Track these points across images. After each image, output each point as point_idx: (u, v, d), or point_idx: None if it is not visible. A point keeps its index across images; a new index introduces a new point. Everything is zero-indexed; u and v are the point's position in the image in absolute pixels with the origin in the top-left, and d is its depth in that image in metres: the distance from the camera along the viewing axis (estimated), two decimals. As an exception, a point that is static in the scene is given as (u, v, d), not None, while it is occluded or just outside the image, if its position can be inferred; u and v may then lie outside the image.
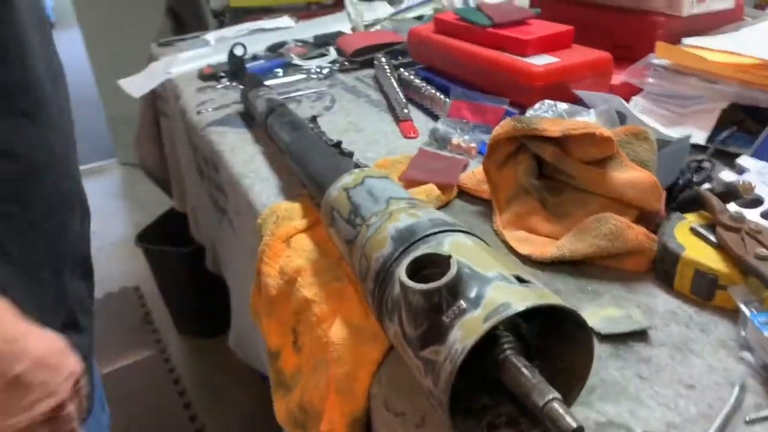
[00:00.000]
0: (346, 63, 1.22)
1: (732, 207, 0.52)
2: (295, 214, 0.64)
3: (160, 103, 1.51)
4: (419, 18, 1.48)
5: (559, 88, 0.80)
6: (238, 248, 0.93)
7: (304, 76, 1.18)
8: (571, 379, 0.38)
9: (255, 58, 1.27)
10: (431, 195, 0.64)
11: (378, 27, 1.42)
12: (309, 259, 0.58)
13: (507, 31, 0.86)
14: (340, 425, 0.45)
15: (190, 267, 1.91)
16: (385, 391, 0.44)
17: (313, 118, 0.77)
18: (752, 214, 0.53)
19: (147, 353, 1.96)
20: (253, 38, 1.41)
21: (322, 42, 1.38)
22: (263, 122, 0.86)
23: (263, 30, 1.43)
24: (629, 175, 0.55)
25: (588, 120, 0.68)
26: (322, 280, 0.55)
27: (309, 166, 0.66)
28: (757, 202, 0.55)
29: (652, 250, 0.51)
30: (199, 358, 2.00)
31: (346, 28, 1.45)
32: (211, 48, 1.39)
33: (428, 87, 0.95)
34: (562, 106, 0.75)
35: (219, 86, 1.15)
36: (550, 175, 0.61)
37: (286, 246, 0.61)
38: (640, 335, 0.45)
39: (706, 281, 0.48)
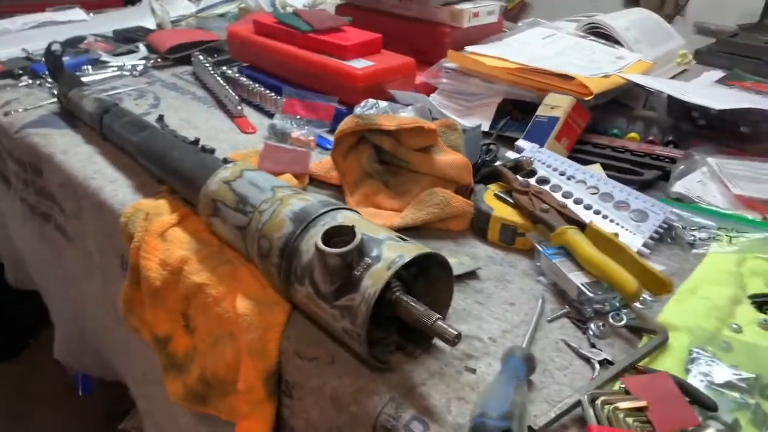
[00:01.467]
0: (160, 60, 1.22)
1: (520, 177, 0.71)
2: (163, 210, 0.68)
3: None
4: (222, 15, 1.52)
5: (376, 88, 0.94)
6: (74, 255, 0.90)
7: (116, 73, 1.16)
8: (438, 307, 0.52)
9: (52, 53, 1.20)
10: (290, 183, 0.73)
11: (183, 24, 1.43)
12: (190, 249, 0.64)
13: (327, 37, 0.98)
14: (256, 381, 0.53)
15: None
16: (294, 345, 0.53)
17: (161, 117, 0.80)
18: (533, 181, 0.73)
19: None
20: (43, 31, 1.32)
21: (123, 37, 1.35)
22: (97, 123, 0.86)
23: (54, 23, 1.34)
24: (449, 158, 0.71)
25: (408, 115, 0.83)
26: (210, 266, 0.61)
27: (171, 163, 0.70)
28: (532, 172, 0.75)
29: (470, 213, 0.68)
30: (-7, 387, 1.78)
31: (148, 23, 1.43)
32: (-8, 41, 1.26)
33: (256, 85, 1.02)
34: (383, 103, 0.89)
35: (21, 84, 1.08)
36: (387, 161, 0.75)
37: (162, 240, 0.65)
38: (472, 274, 0.62)
39: (509, 231, 0.66)
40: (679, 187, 0.78)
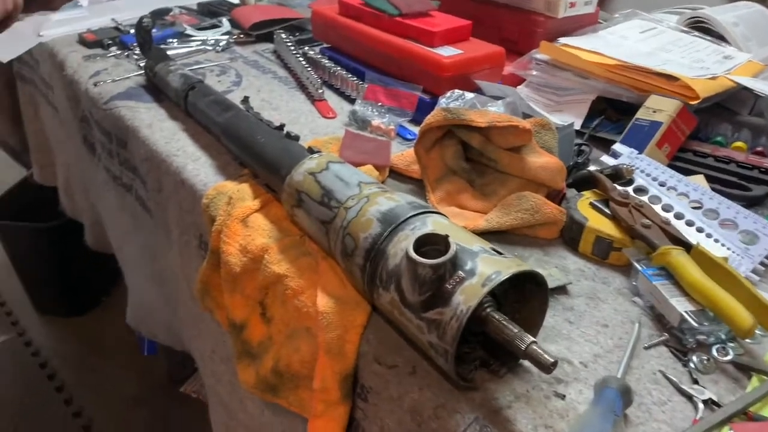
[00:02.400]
0: (242, 36, 1.22)
1: (618, 186, 0.66)
2: (246, 195, 0.67)
3: (18, 67, 1.37)
4: (305, -8, 1.51)
5: (463, 77, 0.90)
6: (152, 227, 0.92)
7: (199, 47, 1.16)
8: (529, 326, 0.49)
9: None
10: (371, 175, 0.71)
11: (265, 0, 1.42)
12: (272, 237, 0.63)
13: (414, 22, 0.95)
14: (332, 382, 0.51)
15: (50, 243, 1.79)
16: (374, 349, 0.51)
17: (246, 99, 0.80)
18: (631, 191, 0.68)
19: (2, 337, 1.80)
20: (131, 1, 1.34)
21: (207, 11, 1.36)
22: (181, 99, 0.86)
23: (142, -7, 1.36)
24: (541, 160, 0.67)
25: (497, 110, 0.79)
26: (290, 257, 0.60)
27: (256, 148, 0.69)
28: (631, 181, 0.70)
29: (562, 221, 0.64)
30: (66, 339, 1.88)
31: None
32: (85, 10, 1.29)
33: (338, 68, 1.00)
34: (469, 95, 0.85)
35: (109, 55, 1.10)
36: (474, 158, 0.71)
37: (244, 225, 0.65)
38: (562, 289, 0.58)
39: (604, 245, 0.62)
40: (793, 207, 0.71)
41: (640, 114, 0.78)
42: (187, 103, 0.85)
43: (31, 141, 1.49)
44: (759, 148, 0.85)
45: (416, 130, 0.88)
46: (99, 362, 1.73)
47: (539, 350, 0.42)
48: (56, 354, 1.77)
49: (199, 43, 1.17)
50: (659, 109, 0.77)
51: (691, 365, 0.50)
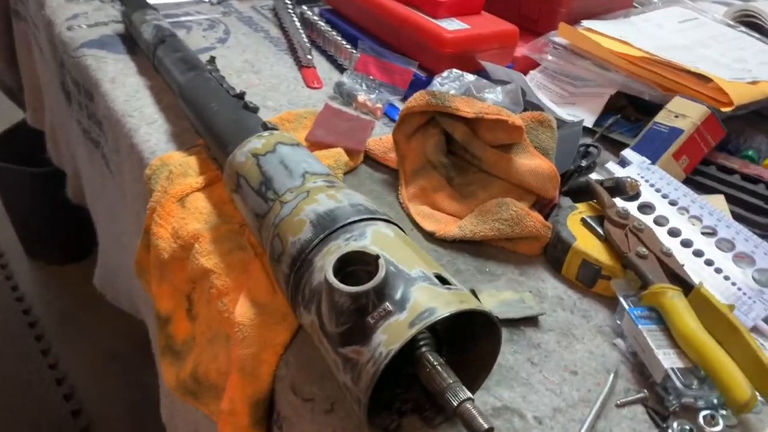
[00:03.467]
0: (241, -11, 1.12)
1: (619, 203, 0.56)
2: (190, 170, 0.59)
3: (14, 1, 1.30)
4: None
5: (466, 56, 0.80)
6: (114, 189, 0.85)
7: (192, -3, 1.07)
8: (475, 369, 0.40)
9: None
10: (340, 161, 0.62)
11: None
12: (207, 223, 0.55)
13: (421, -12, 0.84)
14: (242, 405, 0.44)
15: (44, 189, 1.74)
16: (292, 375, 0.43)
17: (212, 60, 0.71)
18: (632, 207, 0.58)
19: (-12, 278, 1.78)
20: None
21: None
22: (151, 53, 0.78)
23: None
24: (532, 163, 0.57)
25: (495, 98, 0.69)
26: (223, 249, 0.52)
27: (207, 116, 0.61)
28: (637, 195, 0.60)
29: (546, 237, 0.55)
30: (52, 287, 1.85)
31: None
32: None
33: (333, 32, 0.91)
34: (469, 77, 0.75)
35: (92, -3, 1.01)
36: (456, 152, 0.62)
37: (180, 205, 0.57)
38: (532, 320, 0.49)
39: (591, 271, 0.52)
40: (825, 245, 0.61)
41: (660, 117, 0.68)
42: (155, 57, 0.77)
43: (25, 81, 1.42)
44: (796, 169, 0.74)
45: (406, 110, 0.79)
46: (81, 314, 1.70)
47: (473, 411, 0.34)
48: (41, 301, 1.74)
49: (193, -8, 1.07)
50: (683, 114, 0.66)
51: (670, 434, 0.42)
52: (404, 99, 0.80)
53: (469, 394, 0.35)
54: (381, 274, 0.35)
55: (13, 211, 1.78)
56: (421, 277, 0.37)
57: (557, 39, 0.86)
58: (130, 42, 0.88)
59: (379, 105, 0.77)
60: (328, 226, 0.41)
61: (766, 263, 0.55)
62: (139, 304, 0.92)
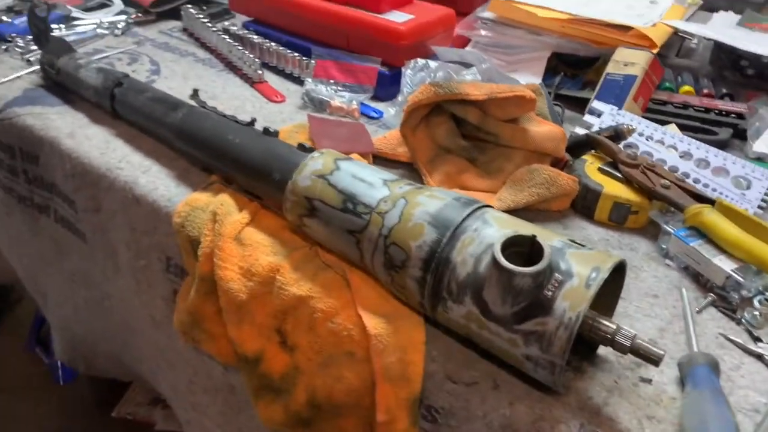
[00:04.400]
0: (140, 15, 1.06)
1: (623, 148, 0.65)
2: (231, 208, 0.58)
3: None
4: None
5: (419, 44, 0.84)
6: (87, 252, 0.78)
7: (92, 32, 0.99)
8: (607, 314, 0.46)
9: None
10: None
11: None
12: (278, 254, 0.54)
13: (355, -14, 0.86)
14: (399, 410, 0.46)
15: None
16: (443, 367, 0.46)
17: (196, 92, 0.68)
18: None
19: None
20: (-12, -19, 1.11)
21: (83, -14, 1.16)
22: (106, 98, 0.73)
23: (0, -30, 1.13)
24: (544, 129, 0.64)
25: (474, 77, 0.74)
26: (308, 273, 0.52)
27: (231, 150, 0.59)
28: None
29: (575, 191, 0.62)
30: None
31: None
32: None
33: (271, 44, 0.90)
34: (433, 64, 0.80)
35: (-17, 50, 0.90)
36: (469, 134, 0.67)
37: (238, 244, 0.55)
38: (599, 264, 0.56)
39: (623, 210, 0.60)
40: (761, 146, 0.74)
41: (611, 68, 0.77)
42: (115, 102, 0.71)
43: None
44: (705, 91, 0.88)
45: (378, 106, 0.82)
46: (6, 401, 1.52)
47: (646, 344, 0.40)
48: (-49, 403, 1.53)
49: (93, 27, 0.99)
50: (630, 62, 0.76)
51: (744, 322, 0.51)
52: (375, 97, 0.83)
53: (634, 332, 0.40)
54: (548, 250, 0.39)
55: None
56: (566, 245, 0.41)
57: (486, 14, 0.93)
58: (61, 92, 0.80)
59: (354, 106, 0.79)
60: (449, 224, 0.44)
61: (738, 171, 0.66)
62: (132, 366, 0.87)
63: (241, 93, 0.84)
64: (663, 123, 0.77)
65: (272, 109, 0.81)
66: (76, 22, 1.00)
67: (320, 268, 0.53)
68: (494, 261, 0.39)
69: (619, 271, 0.44)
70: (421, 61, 0.79)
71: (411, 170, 0.68)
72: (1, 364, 1.69)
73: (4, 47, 0.91)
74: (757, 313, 0.51)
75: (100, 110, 0.75)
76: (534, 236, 0.40)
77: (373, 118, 0.80)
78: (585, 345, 0.46)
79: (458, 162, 0.66)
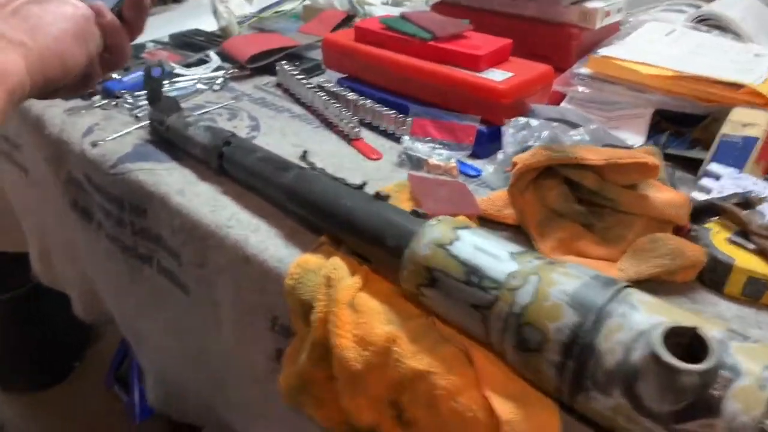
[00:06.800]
0: (236, 70, 1.10)
1: (755, 216, 0.61)
2: (343, 272, 0.57)
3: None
4: (279, 13, 1.40)
5: (518, 102, 0.83)
6: (185, 302, 0.79)
7: (191, 87, 1.04)
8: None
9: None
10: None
11: (246, 26, 1.30)
12: (392, 323, 0.53)
13: (452, 45, 0.87)
14: (532, 503, 0.43)
15: (13, 314, 1.60)
16: (581, 459, 0.43)
17: (305, 154, 0.69)
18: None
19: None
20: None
21: (182, 43, 1.23)
22: (214, 157, 0.75)
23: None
24: (665, 195, 0.61)
25: (582, 138, 0.72)
26: (427, 346, 0.51)
27: (341, 214, 0.59)
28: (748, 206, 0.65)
29: (702, 262, 0.58)
30: (34, 415, 1.69)
31: (200, 24, 1.30)
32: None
33: (367, 101, 0.91)
34: (534, 122, 0.78)
35: (95, 106, 0.95)
36: (584, 198, 0.64)
37: (351, 310, 0.55)
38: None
39: (758, 285, 0.56)
40: None
41: (727, 129, 0.74)
42: (224, 160, 0.73)
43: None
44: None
45: (476, 164, 0.81)
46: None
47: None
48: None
49: (193, 82, 1.04)
50: (749, 122, 0.73)
51: None
52: (473, 154, 0.82)
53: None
54: (715, 345, 0.36)
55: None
56: (728, 337, 0.38)
57: (582, 71, 0.91)
58: (169, 148, 0.83)
59: (453, 164, 0.79)
60: (591, 307, 0.42)
61: None
62: (225, 416, 0.87)
63: (338, 150, 0.85)
64: (785, 187, 0.72)
65: (370, 166, 0.81)
66: (177, 79, 1.05)
67: (438, 342, 0.51)
68: (653, 355, 0.36)
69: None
70: (522, 120, 0.78)
71: (517, 233, 0.66)
72: (79, 399, 1.75)
73: (113, 103, 0.96)
74: None
75: (203, 167, 0.77)
76: (695, 328, 0.37)
77: (471, 176, 0.79)
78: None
79: (572, 227, 0.63)
